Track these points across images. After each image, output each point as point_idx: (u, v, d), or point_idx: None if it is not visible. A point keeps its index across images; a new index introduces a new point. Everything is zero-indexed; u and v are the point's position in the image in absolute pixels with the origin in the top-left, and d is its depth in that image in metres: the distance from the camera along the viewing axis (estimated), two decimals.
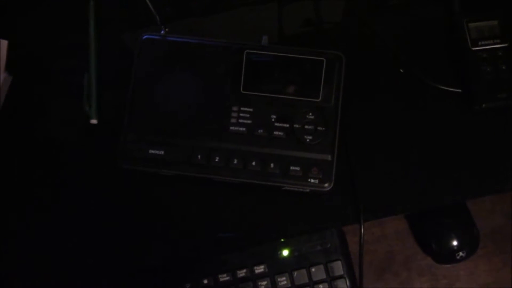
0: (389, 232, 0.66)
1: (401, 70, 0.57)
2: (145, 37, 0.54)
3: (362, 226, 0.54)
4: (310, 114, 0.51)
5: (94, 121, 0.56)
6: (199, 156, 0.51)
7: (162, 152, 0.51)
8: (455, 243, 0.63)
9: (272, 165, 0.51)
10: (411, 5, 0.61)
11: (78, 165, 0.56)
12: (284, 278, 0.59)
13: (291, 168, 0.51)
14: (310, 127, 0.51)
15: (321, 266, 0.59)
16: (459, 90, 0.56)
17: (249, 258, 0.60)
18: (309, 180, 0.50)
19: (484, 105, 0.54)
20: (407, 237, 0.66)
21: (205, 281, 0.59)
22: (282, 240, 0.58)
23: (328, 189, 0.51)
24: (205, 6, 0.62)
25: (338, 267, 0.60)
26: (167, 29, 0.54)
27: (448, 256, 0.63)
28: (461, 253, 0.63)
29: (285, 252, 0.60)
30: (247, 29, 0.60)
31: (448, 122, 0.56)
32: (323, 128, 0.51)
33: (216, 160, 0.51)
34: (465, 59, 0.55)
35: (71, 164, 0.56)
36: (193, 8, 0.62)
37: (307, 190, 0.52)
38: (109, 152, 0.54)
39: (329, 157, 0.51)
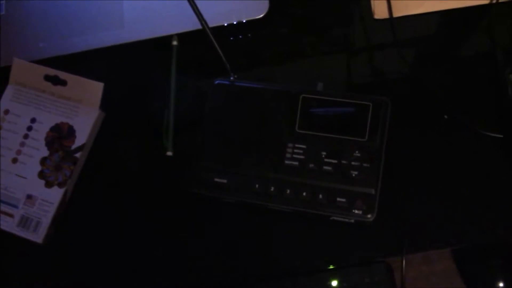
0: (437, 270, 0.68)
1: (445, 116, 0.62)
2: (217, 82, 0.62)
3: (404, 258, 0.57)
4: (357, 152, 0.57)
5: (170, 153, 0.64)
6: (257, 185, 0.57)
7: (225, 181, 0.58)
8: (501, 284, 0.64)
9: (320, 196, 0.56)
10: (461, 56, 0.66)
11: (155, 190, 0.64)
12: None
13: (338, 199, 0.56)
14: (356, 163, 0.56)
15: None
16: (501, 136, 0.60)
17: (299, 287, 0.64)
18: (353, 211, 0.55)
19: None
20: (454, 277, 0.67)
21: None
22: (331, 267, 0.62)
23: (371, 219, 0.55)
24: (276, 56, 0.69)
25: None
26: (235, 76, 0.63)
27: None
28: None
29: (334, 283, 0.63)
30: (307, 78, 0.66)
31: (492, 165, 0.59)
32: (368, 165, 0.56)
33: (272, 189, 0.57)
34: (507, 107, 0.59)
35: (149, 188, 0.64)
36: (265, 58, 0.70)
37: (352, 220, 0.56)
38: (180, 180, 0.62)
39: (372, 191, 0.56)
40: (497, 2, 0.64)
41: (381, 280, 0.63)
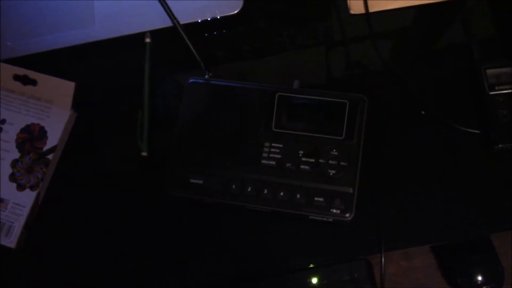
0: (417, 265, 0.69)
1: (423, 112, 0.61)
2: (191, 80, 0.61)
3: (382, 256, 0.57)
4: (334, 150, 0.56)
5: (144, 154, 0.63)
6: (233, 186, 0.57)
7: (201, 181, 0.57)
8: (480, 278, 0.65)
9: (298, 195, 0.56)
10: (436, 51, 0.66)
11: (129, 192, 0.63)
12: None
13: (316, 199, 0.55)
14: (334, 162, 0.56)
15: None
16: (478, 131, 0.60)
17: (280, 285, 0.64)
18: (331, 210, 0.55)
19: (500, 145, 0.57)
20: (433, 271, 0.68)
21: None
22: (311, 265, 0.62)
23: (349, 218, 0.55)
24: (252, 52, 0.68)
25: None
26: (210, 74, 0.61)
27: None
28: None
29: (314, 280, 0.63)
30: (283, 75, 0.66)
31: (469, 161, 0.59)
32: (346, 163, 0.56)
33: (249, 190, 0.56)
34: (483, 103, 0.59)
35: (124, 190, 0.63)
36: (240, 54, 0.69)
37: (331, 220, 0.56)
38: (156, 181, 0.60)
39: (350, 190, 0.55)
40: None
41: (360, 277, 0.64)
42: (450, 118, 0.60)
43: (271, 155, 0.57)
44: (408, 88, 0.63)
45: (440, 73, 0.64)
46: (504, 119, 0.58)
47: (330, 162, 0.56)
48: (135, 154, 0.63)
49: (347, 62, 0.66)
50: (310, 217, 0.56)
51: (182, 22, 0.62)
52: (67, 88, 0.64)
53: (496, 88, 0.59)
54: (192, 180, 0.57)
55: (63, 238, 0.62)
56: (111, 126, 0.66)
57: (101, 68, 0.69)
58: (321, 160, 0.56)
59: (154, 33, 0.67)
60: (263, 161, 0.57)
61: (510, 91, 0.59)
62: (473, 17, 0.64)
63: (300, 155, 0.57)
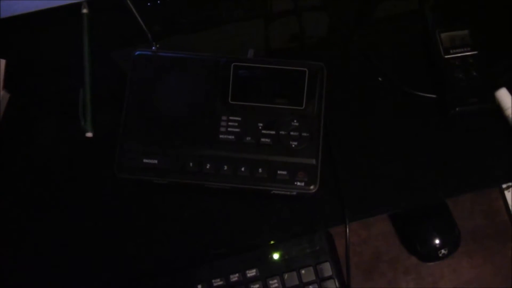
0: (375, 233, 0.68)
1: (380, 79, 0.61)
2: (137, 53, 0.57)
3: (347, 227, 0.56)
4: (295, 121, 0.54)
5: (89, 134, 0.59)
6: (191, 164, 0.54)
7: (155, 161, 0.54)
8: (437, 241, 0.66)
9: (260, 170, 0.53)
10: (390, 17, 0.65)
11: (76, 177, 0.59)
12: (275, 281, 0.62)
13: (278, 172, 0.53)
14: (295, 133, 0.54)
15: (311, 268, 0.62)
16: (434, 96, 0.59)
17: (241, 263, 0.62)
18: (295, 183, 0.53)
19: (457, 109, 0.57)
20: (392, 238, 0.68)
21: (199, 286, 0.61)
22: (272, 242, 0.60)
23: (313, 191, 0.53)
24: (193, 23, 0.65)
25: (327, 269, 0.62)
26: (157, 45, 0.57)
27: (431, 254, 0.66)
28: (443, 251, 0.65)
29: (276, 256, 0.62)
30: (235, 44, 0.63)
31: (426, 126, 0.60)
32: (307, 134, 0.54)
33: (207, 167, 0.54)
34: (439, 67, 0.59)
35: (69, 175, 0.59)
36: (181, 25, 0.65)
37: (294, 193, 0.54)
38: (105, 163, 0.56)
39: (313, 161, 0.54)
40: None
41: (322, 249, 0.63)
42: (407, 84, 0.60)
43: (229, 129, 0.54)
44: (365, 55, 0.62)
45: (397, 40, 0.63)
46: (460, 82, 0.58)
47: (292, 133, 0.54)
48: (78, 136, 0.59)
49: (297, 30, 0.64)
50: (273, 191, 0.54)
51: None
52: None
53: (451, 51, 0.59)
54: (145, 161, 0.54)
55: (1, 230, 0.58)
56: (49, 107, 0.62)
57: (34, 43, 0.64)
58: (282, 132, 0.54)
59: (91, 4, 0.63)
60: (221, 136, 0.54)
61: (464, 54, 0.59)
62: None
63: (260, 127, 0.54)
